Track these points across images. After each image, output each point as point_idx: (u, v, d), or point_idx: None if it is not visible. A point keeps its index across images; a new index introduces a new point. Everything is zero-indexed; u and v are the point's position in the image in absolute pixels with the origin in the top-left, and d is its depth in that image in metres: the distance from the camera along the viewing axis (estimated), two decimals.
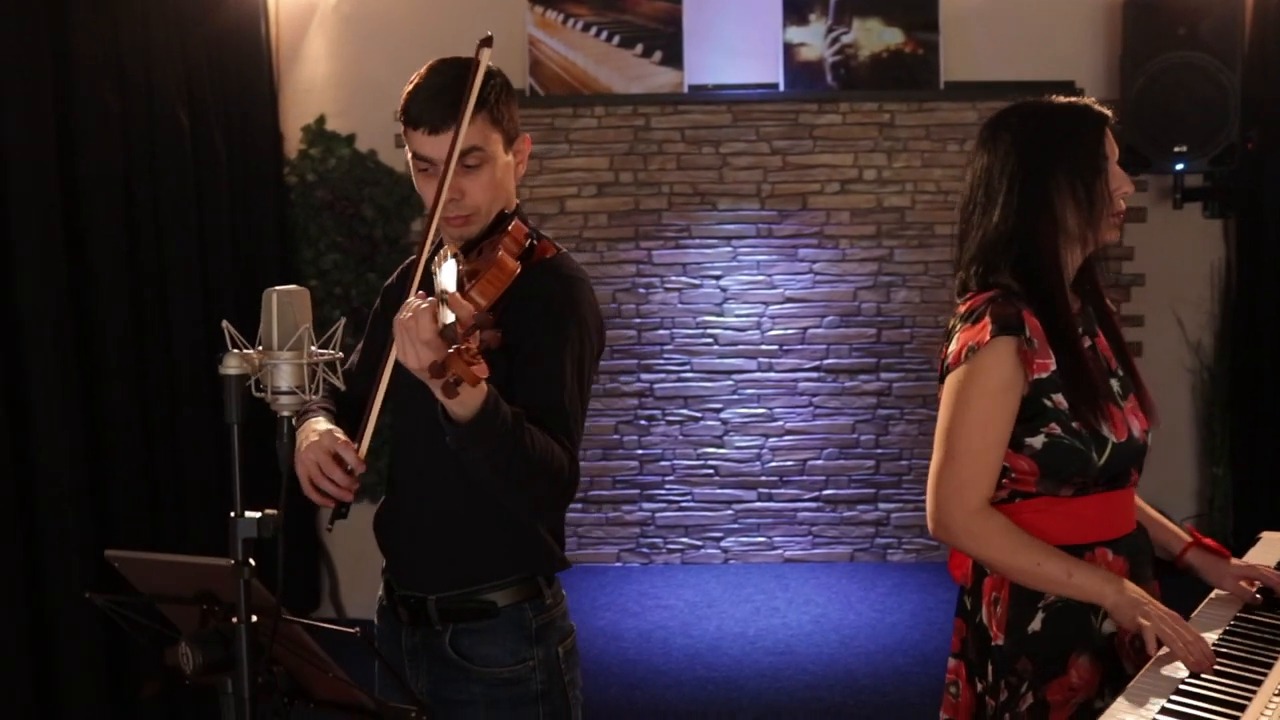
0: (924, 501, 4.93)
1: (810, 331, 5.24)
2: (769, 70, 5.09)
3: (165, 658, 1.53)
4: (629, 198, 5.26)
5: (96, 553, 3.19)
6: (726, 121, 5.17)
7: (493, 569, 2.10)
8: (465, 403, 1.72)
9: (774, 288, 5.22)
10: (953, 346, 2.09)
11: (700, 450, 5.35)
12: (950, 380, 2.07)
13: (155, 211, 3.93)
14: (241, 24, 4.81)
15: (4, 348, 3.10)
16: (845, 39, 5.04)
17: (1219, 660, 1.86)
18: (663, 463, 5.36)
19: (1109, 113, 2.12)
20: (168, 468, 3.91)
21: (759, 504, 5.34)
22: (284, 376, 1.53)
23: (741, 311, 5.28)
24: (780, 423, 5.29)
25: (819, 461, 5.30)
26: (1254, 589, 2.21)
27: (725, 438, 5.33)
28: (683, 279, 5.28)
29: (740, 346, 5.29)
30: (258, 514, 1.48)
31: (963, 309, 2.12)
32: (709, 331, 5.29)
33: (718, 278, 5.27)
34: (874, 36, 5.03)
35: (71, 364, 3.32)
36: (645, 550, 5.41)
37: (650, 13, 5.09)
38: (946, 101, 5.08)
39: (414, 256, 2.28)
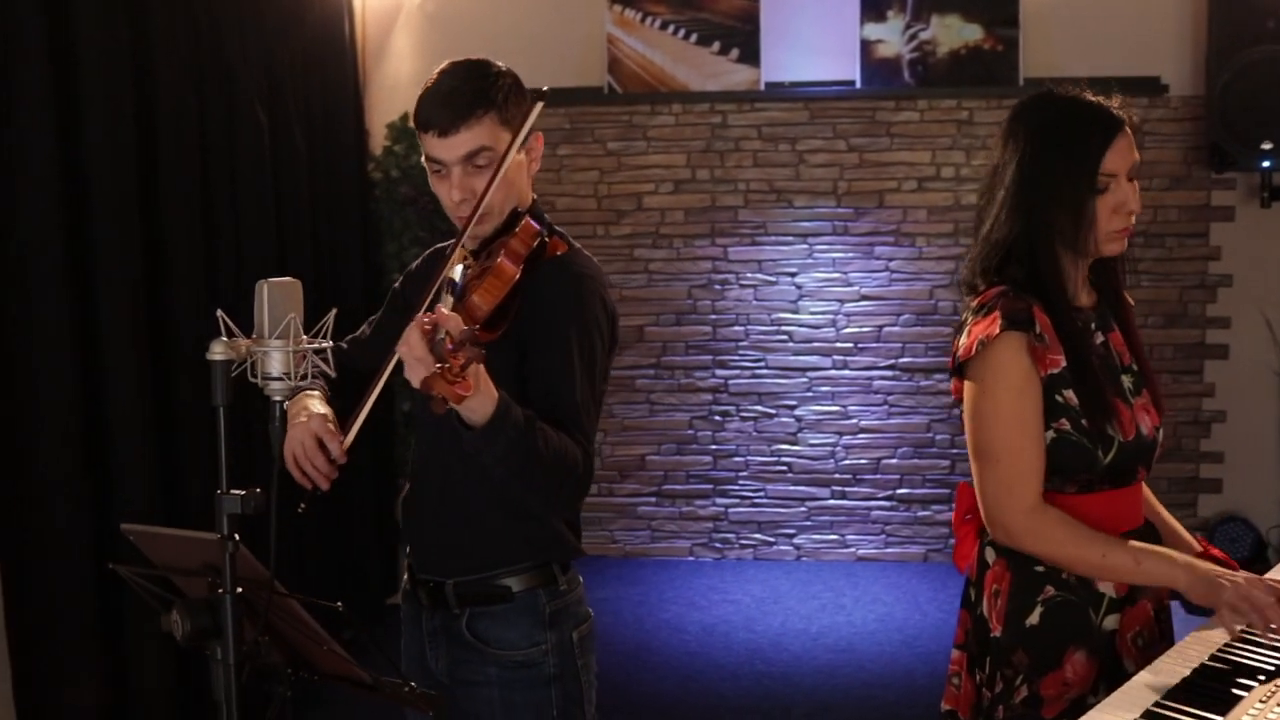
0: None
1: (886, 329, 5.22)
2: (846, 67, 5.08)
3: (161, 624, 1.62)
4: (706, 194, 5.30)
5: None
6: (803, 119, 5.17)
7: (508, 555, 2.15)
8: (476, 409, 1.78)
9: (849, 285, 5.21)
10: (963, 339, 2.09)
11: (774, 446, 5.36)
12: (970, 388, 2.07)
13: (234, 208, 4.07)
14: (327, 25, 4.96)
15: (83, 346, 3.24)
16: (923, 35, 5.00)
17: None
18: (736, 458, 5.39)
19: (1126, 118, 2.05)
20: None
21: (832, 501, 5.34)
22: (274, 363, 1.61)
23: (816, 309, 5.27)
24: (854, 420, 5.27)
25: (893, 460, 5.27)
26: None
27: (799, 434, 5.34)
28: (758, 276, 5.30)
29: (815, 344, 5.29)
30: (242, 491, 1.56)
31: (975, 303, 2.12)
32: (784, 328, 5.30)
33: (793, 275, 5.27)
34: (953, 33, 4.98)
35: (146, 361, 3.47)
36: (718, 545, 5.45)
37: (728, 10, 5.12)
38: None
39: (440, 245, 2.36)
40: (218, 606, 1.59)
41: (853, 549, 5.33)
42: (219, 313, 1.61)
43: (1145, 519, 2.19)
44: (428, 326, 1.70)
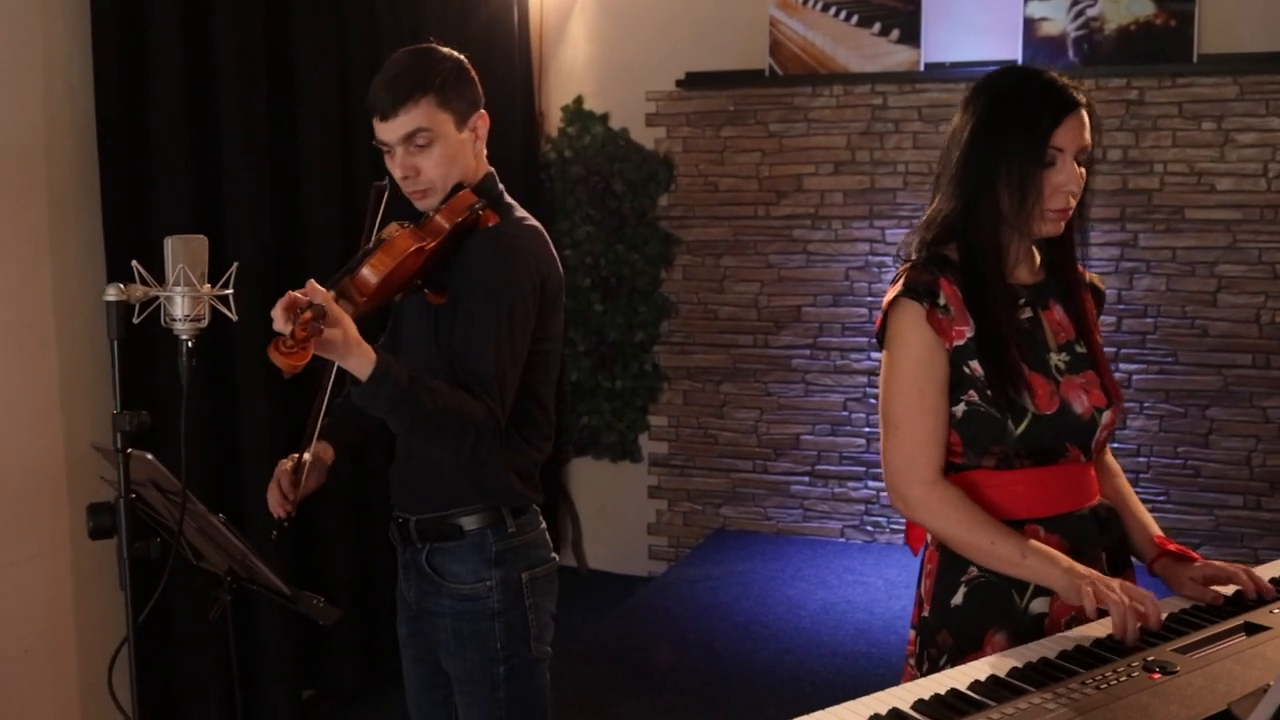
0: (1164, 501, 4.83)
1: None
2: (1008, 46, 4.95)
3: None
4: (865, 176, 5.28)
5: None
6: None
7: (460, 497, 2.34)
8: (356, 368, 2.04)
9: None
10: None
11: None
12: (883, 357, 2.11)
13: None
14: (504, 12, 5.27)
15: (221, 343, 3.61)
16: (1090, 11, 4.81)
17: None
18: None
19: (1084, 99, 2.02)
20: None
21: None
22: (177, 306, 1.86)
23: None
24: None
25: None
26: (1212, 591, 2.08)
27: None
28: None
29: None
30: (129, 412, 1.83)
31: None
32: None
33: None
34: (1121, 8, 4.77)
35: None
36: (869, 529, 5.44)
37: None
38: (1202, 76, 4.73)
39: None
40: (116, 509, 1.87)
41: None
42: (134, 263, 1.88)
43: (1100, 501, 2.14)
44: (298, 297, 1.94)
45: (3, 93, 3.13)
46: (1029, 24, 4.90)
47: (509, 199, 2.41)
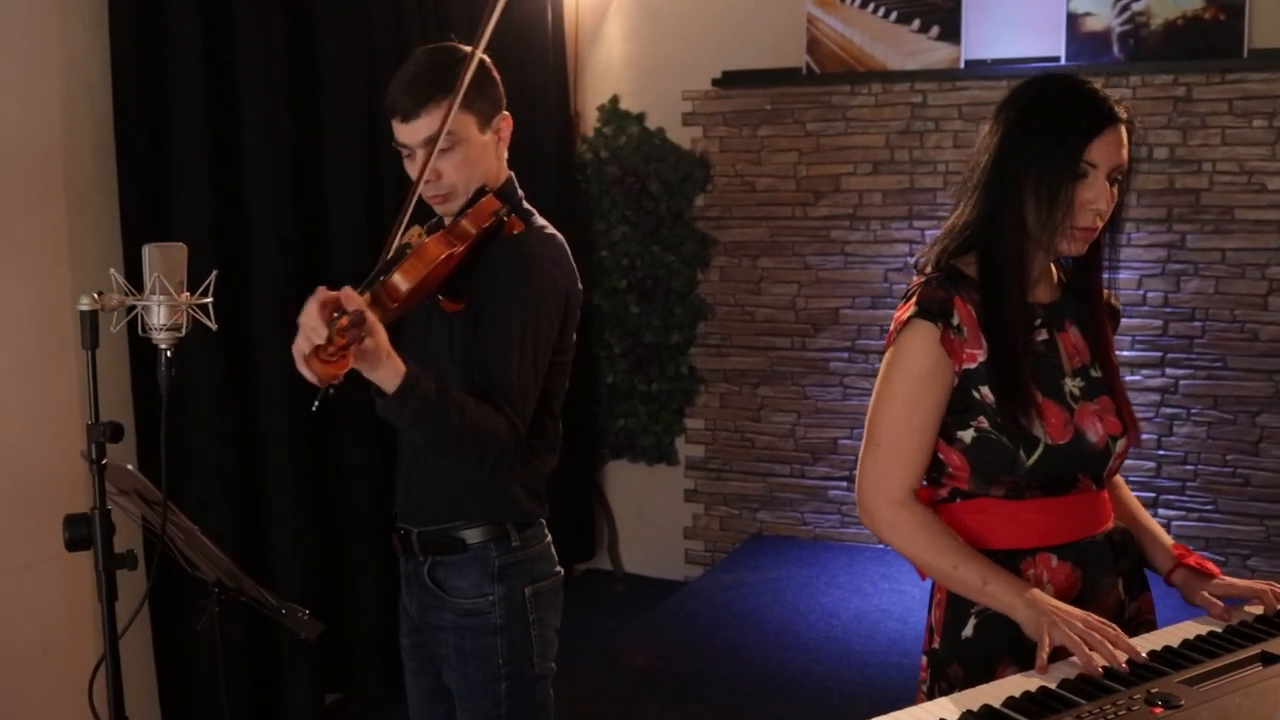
0: (1211, 510, 4.71)
1: None
2: (1051, 43, 4.82)
3: None
4: (904, 176, 5.18)
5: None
6: None
7: (463, 511, 2.29)
8: (383, 380, 1.96)
9: None
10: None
11: None
12: (881, 368, 2.04)
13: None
14: (538, 11, 5.23)
15: (242, 348, 3.61)
16: (1136, 6, 4.67)
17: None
18: None
19: (1123, 114, 1.91)
20: None
21: None
22: (155, 315, 1.83)
23: None
24: None
25: None
26: (1220, 604, 1.99)
27: None
28: None
29: None
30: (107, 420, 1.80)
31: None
32: None
33: None
34: (1169, 3, 4.63)
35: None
36: None
37: None
38: (1253, 72, 4.58)
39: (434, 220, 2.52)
40: (92, 520, 1.84)
41: None
42: (111, 271, 1.85)
43: (1112, 524, 2.06)
44: (328, 301, 1.84)
45: (22, 93, 3.13)
46: (1072, 19, 4.77)
47: (528, 206, 2.35)
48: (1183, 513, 4.85)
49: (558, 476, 5.23)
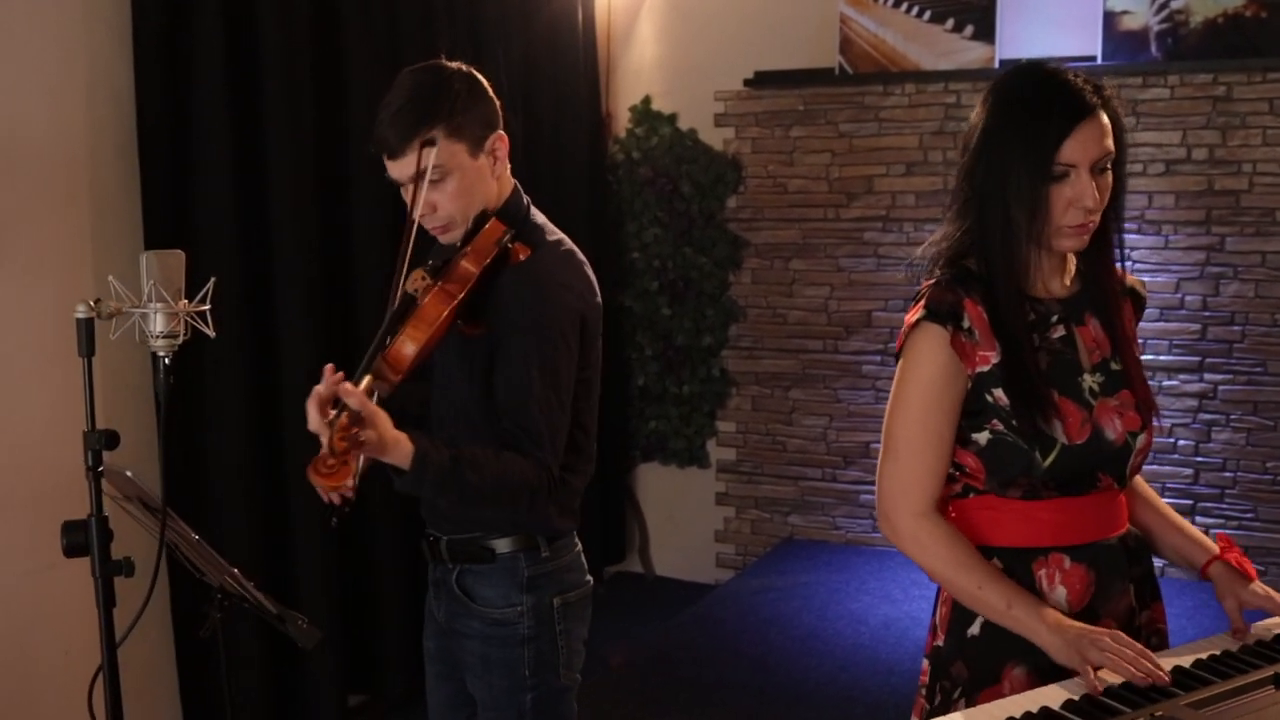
0: (1251, 518, 4.64)
1: None
2: (1087, 42, 4.74)
3: None
4: (938, 177, 5.12)
5: None
6: None
7: (492, 521, 2.26)
8: (396, 461, 1.94)
9: None
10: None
11: None
12: (895, 376, 2.01)
13: None
14: (568, 12, 5.21)
15: (265, 352, 3.63)
16: (1175, 4, 4.59)
17: None
18: None
19: (1097, 102, 1.85)
20: None
21: None
22: (153, 322, 1.83)
23: None
24: None
25: None
26: (1245, 625, 1.95)
27: None
28: None
29: None
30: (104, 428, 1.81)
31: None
32: None
33: None
34: (1209, 0, 4.54)
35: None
36: None
37: None
38: None
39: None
40: (89, 527, 1.85)
41: None
42: (110, 278, 1.85)
43: (1129, 530, 2.02)
44: (324, 398, 1.81)
45: (47, 99, 3.16)
46: (1109, 18, 4.69)
47: (537, 217, 2.28)
48: (1221, 520, 4.76)
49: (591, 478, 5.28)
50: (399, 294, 2.06)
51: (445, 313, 2.01)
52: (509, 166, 2.28)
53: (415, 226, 2.10)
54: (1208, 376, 4.74)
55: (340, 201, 3.94)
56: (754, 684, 4.05)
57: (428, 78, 2.15)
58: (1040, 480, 1.90)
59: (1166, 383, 4.79)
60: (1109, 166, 1.88)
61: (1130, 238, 4.66)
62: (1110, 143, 1.87)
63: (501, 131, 2.23)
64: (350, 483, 1.78)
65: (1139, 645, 1.73)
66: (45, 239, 3.15)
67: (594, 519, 5.41)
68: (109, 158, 3.32)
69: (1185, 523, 2.12)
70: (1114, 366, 1.98)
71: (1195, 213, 4.69)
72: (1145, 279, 4.76)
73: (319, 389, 1.83)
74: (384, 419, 1.88)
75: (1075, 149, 1.84)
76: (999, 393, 1.90)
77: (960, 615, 1.97)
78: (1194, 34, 4.59)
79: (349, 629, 3.96)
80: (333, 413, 1.79)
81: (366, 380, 1.90)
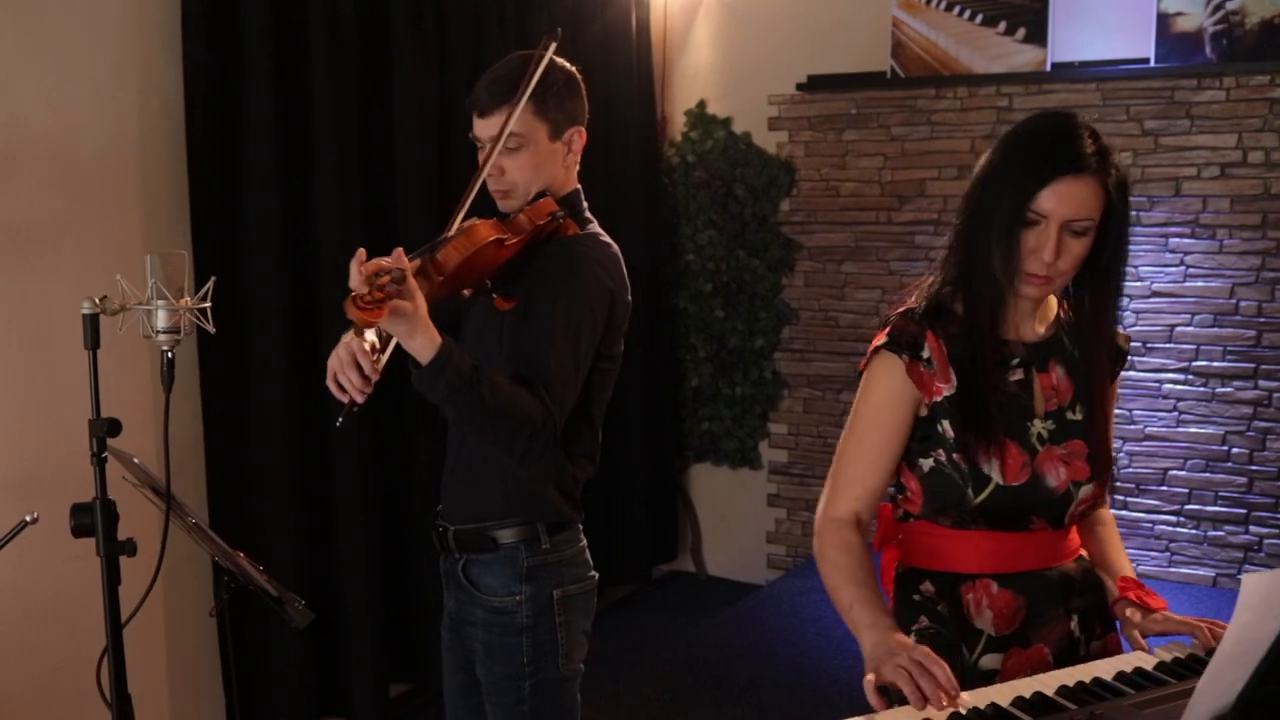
0: None
1: (1178, 330, 4.78)
2: (1140, 44, 4.69)
3: None
4: None
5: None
6: (1094, 100, 4.83)
7: (495, 511, 2.36)
8: (418, 349, 2.04)
9: (1139, 280, 4.82)
10: None
11: None
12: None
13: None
14: (623, 16, 5.29)
15: (309, 356, 3.70)
16: (1230, 5, 4.52)
17: None
18: None
19: (1090, 167, 1.85)
20: None
21: (1113, 511, 4.96)
22: (159, 319, 1.96)
23: None
24: (1139, 426, 4.88)
25: (1181, 473, 4.83)
26: (1143, 644, 1.97)
27: None
28: None
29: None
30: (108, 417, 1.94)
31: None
32: None
33: None
34: (1265, 1, 4.46)
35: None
36: None
37: None
38: None
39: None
40: (94, 510, 1.98)
41: (1134, 563, 4.93)
42: (117, 276, 1.98)
43: (1073, 563, 2.05)
44: (381, 263, 1.97)
45: (99, 105, 3.31)
46: (1162, 20, 4.63)
47: (590, 216, 2.42)
48: (1275, 530, 4.67)
49: (638, 477, 5.33)
50: (455, 227, 2.20)
51: (491, 239, 2.14)
52: (579, 166, 2.43)
53: (480, 182, 2.27)
54: (1263, 384, 4.65)
55: (387, 208, 4.05)
56: (785, 683, 4.09)
57: (534, 62, 2.30)
58: (969, 514, 1.96)
59: (1220, 389, 4.72)
60: (1088, 232, 1.89)
61: (1185, 242, 4.65)
62: (1094, 209, 1.87)
63: (583, 129, 2.39)
64: (374, 323, 1.90)
65: (940, 666, 1.69)
66: (98, 243, 3.31)
67: (643, 518, 5.48)
68: (160, 164, 3.47)
69: (1118, 559, 2.12)
70: (1070, 416, 2.01)
71: (1251, 216, 4.62)
72: (1198, 284, 4.71)
73: (376, 260, 1.97)
74: (422, 300, 2.00)
75: (1050, 200, 1.85)
76: (947, 424, 1.96)
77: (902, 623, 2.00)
78: (1249, 35, 4.51)
79: (391, 619, 4.07)
80: (376, 274, 1.92)
81: (415, 264, 2.04)
